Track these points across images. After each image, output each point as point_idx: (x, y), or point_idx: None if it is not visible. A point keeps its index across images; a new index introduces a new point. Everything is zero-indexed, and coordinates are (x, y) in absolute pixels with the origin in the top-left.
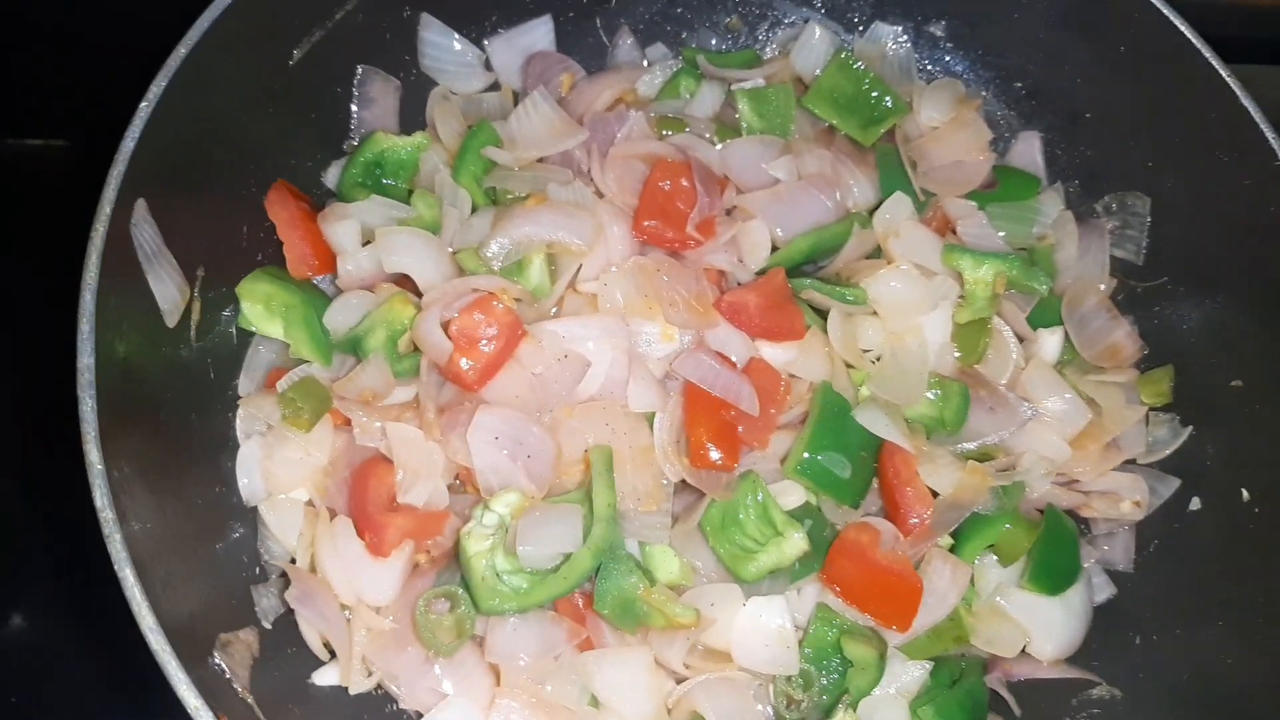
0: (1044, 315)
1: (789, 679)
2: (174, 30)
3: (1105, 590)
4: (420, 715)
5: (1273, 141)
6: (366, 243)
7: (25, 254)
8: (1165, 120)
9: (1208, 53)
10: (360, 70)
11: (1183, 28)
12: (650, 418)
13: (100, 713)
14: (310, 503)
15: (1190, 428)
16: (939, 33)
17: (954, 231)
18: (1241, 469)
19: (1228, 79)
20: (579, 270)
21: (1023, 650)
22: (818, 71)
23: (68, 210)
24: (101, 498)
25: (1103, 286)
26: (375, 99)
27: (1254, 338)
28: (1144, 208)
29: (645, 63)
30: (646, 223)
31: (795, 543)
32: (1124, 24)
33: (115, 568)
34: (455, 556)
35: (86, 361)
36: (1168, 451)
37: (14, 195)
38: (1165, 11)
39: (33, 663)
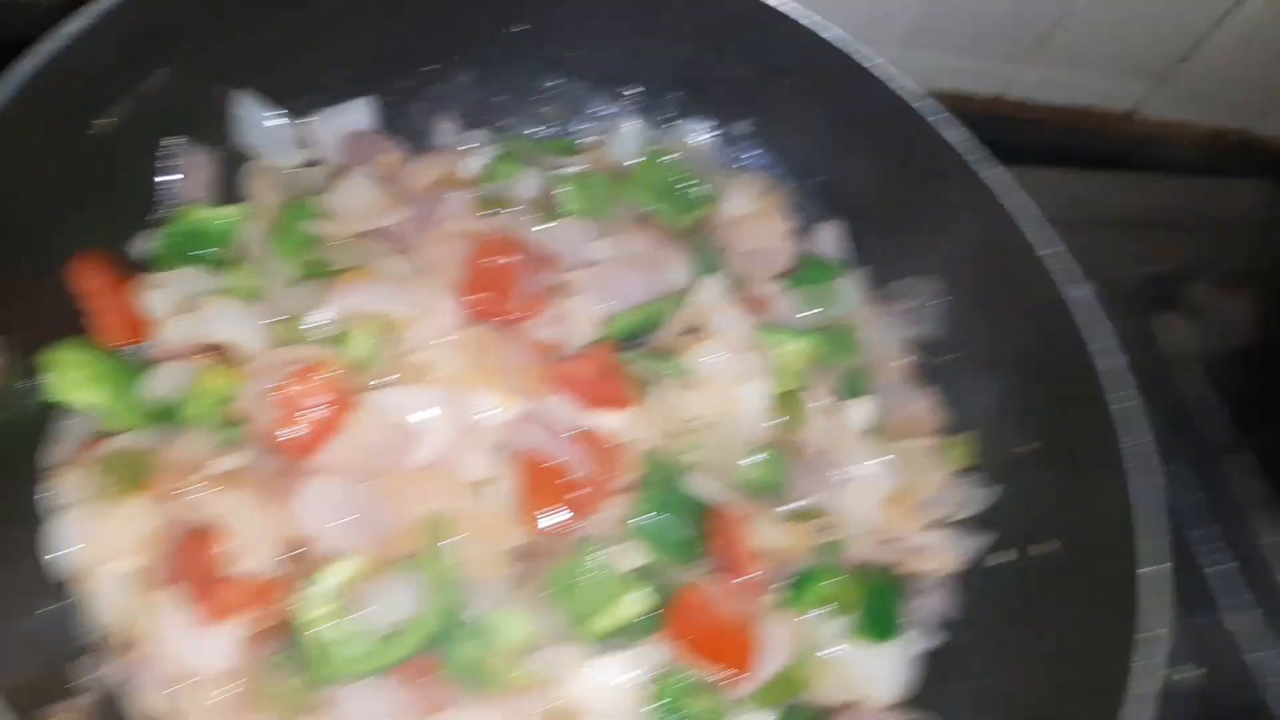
0: (852, 386)
1: None
2: None
3: (936, 637)
4: None
5: (1029, 236)
6: (183, 312)
7: None
8: (943, 215)
9: (970, 156)
10: (169, 143)
11: (944, 135)
12: (488, 484)
13: None
14: (134, 573)
15: (997, 486)
16: (744, 129)
17: (764, 310)
18: (1046, 521)
19: (985, 178)
20: (407, 341)
21: (862, 697)
22: (632, 161)
23: None
24: None
25: (902, 361)
26: (187, 171)
27: (1040, 406)
28: (935, 290)
29: (466, 147)
30: (475, 296)
31: (634, 601)
32: (898, 131)
33: None
34: (292, 624)
35: None
36: (977, 509)
37: None
38: (930, 120)
39: None
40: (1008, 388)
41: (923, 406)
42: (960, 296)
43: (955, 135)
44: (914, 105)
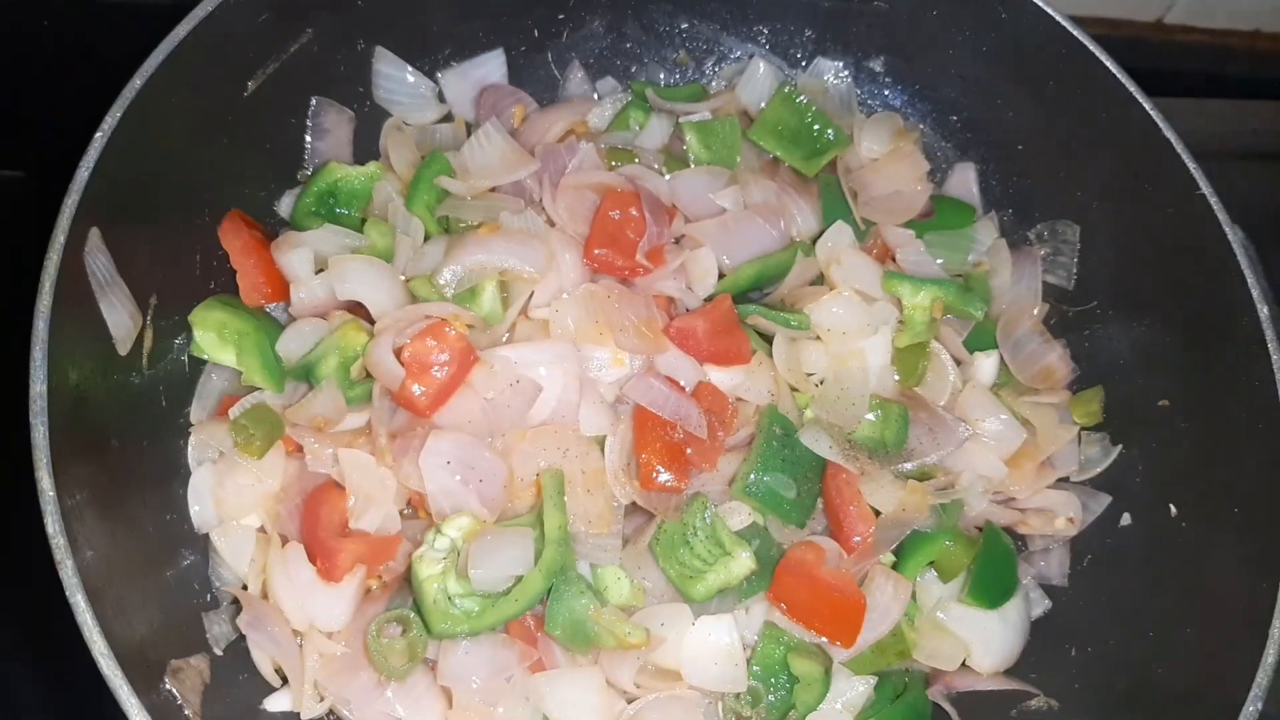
0: (980, 339)
1: (737, 696)
2: (129, 62)
3: (1041, 604)
4: None
5: (1193, 170)
6: (320, 271)
7: None
8: (1092, 152)
9: (1132, 86)
10: (314, 102)
11: (1108, 63)
12: (601, 441)
13: None
14: (262, 529)
15: (1120, 446)
16: (878, 68)
17: (893, 259)
18: (1169, 485)
19: (1150, 111)
20: (531, 297)
21: (963, 663)
22: (762, 105)
23: (21, 242)
24: (53, 524)
25: (1035, 311)
26: (329, 130)
27: (1177, 359)
28: (1074, 235)
29: (595, 96)
30: (597, 251)
31: (742, 562)
32: (1052, 61)
33: (67, 594)
34: (407, 581)
35: (39, 389)
36: (1099, 469)
37: None
38: (1091, 48)
39: None
40: (1145, 339)
41: (1053, 359)
42: (1102, 241)
43: (1111, 64)
44: (1068, 31)
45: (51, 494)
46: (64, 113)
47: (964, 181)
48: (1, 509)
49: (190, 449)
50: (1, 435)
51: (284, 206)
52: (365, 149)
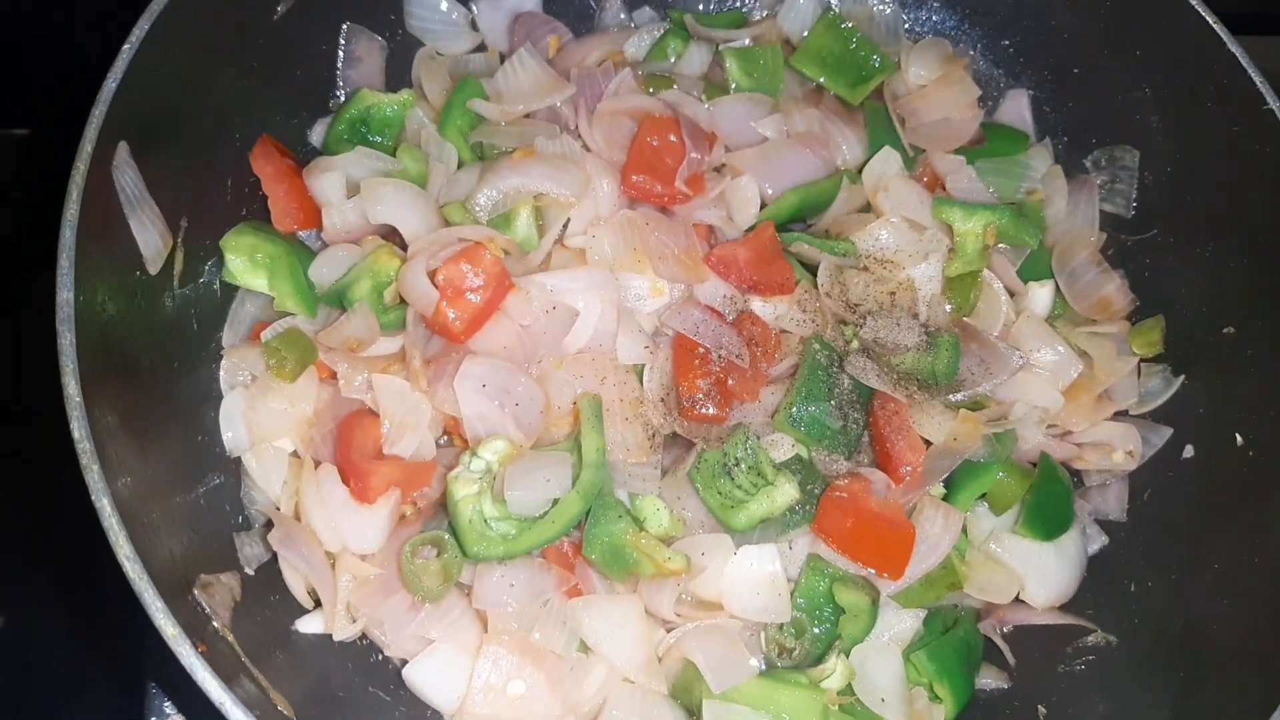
0: (1034, 269)
1: (781, 627)
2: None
3: (1098, 540)
4: (405, 663)
5: (1259, 85)
6: (352, 196)
7: None
8: (1152, 72)
9: (1194, 1)
10: (346, 28)
11: None
12: (639, 370)
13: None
14: (295, 453)
15: (1182, 377)
16: None
17: (943, 187)
18: (1234, 415)
19: (1214, 26)
20: (567, 224)
21: (1016, 597)
22: (805, 32)
23: (29, 199)
24: (80, 429)
25: (1093, 240)
26: (361, 58)
27: (1244, 283)
28: (1133, 161)
29: (632, 25)
30: (635, 177)
31: (786, 491)
32: None
33: (92, 499)
34: (442, 507)
35: (66, 296)
36: (1160, 401)
37: None
38: None
39: (18, 651)
40: (1208, 266)
41: (1111, 290)
42: (1162, 166)
43: None
44: None
45: (78, 399)
46: (70, 69)
47: (1016, 108)
48: (34, 479)
49: (222, 373)
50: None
51: (316, 135)
52: (397, 79)
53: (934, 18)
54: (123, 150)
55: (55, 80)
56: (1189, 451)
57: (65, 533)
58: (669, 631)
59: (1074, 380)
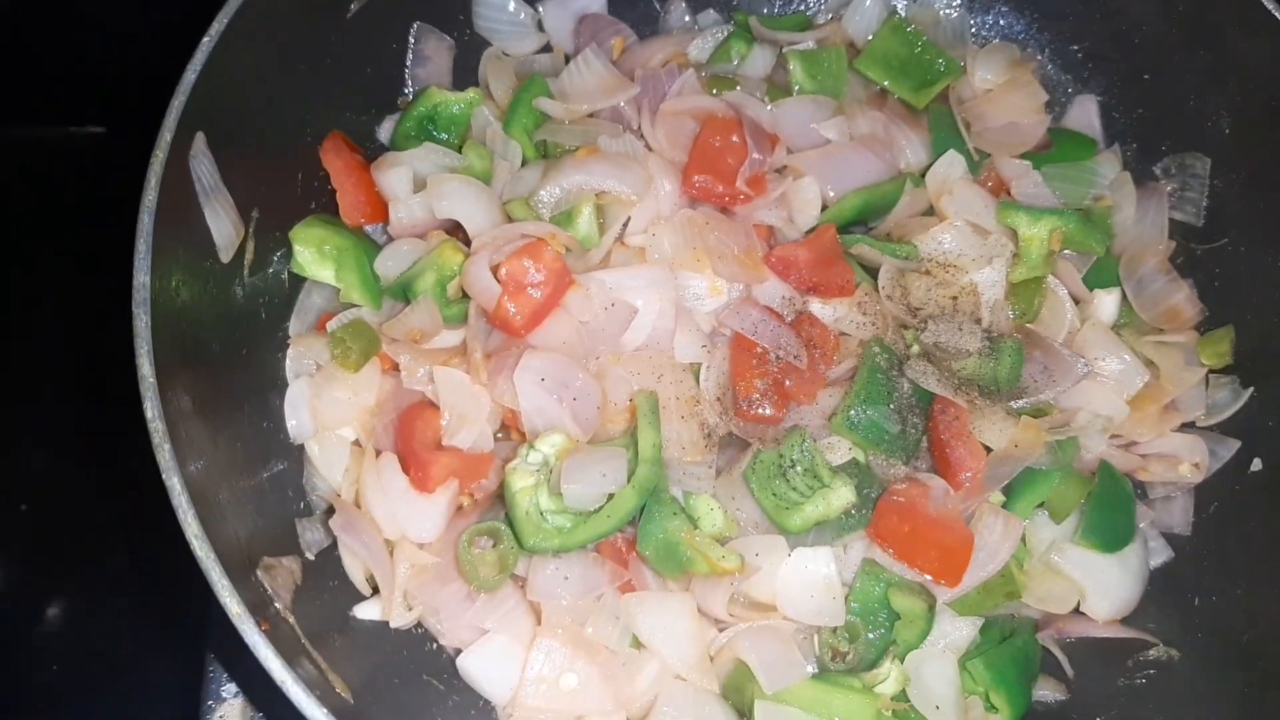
0: (1101, 276)
1: (835, 631)
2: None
3: (1162, 554)
4: (459, 653)
5: None
6: (418, 191)
7: (67, 242)
8: (1225, 78)
9: (1269, 3)
10: (415, 27)
11: None
12: (696, 369)
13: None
14: (356, 442)
15: (1251, 389)
16: None
17: (1008, 192)
18: None
19: None
20: (628, 223)
21: (1077, 609)
22: (870, 35)
23: (107, 195)
24: (152, 409)
25: (1161, 248)
26: (430, 56)
27: None
28: (1203, 169)
29: (696, 27)
30: (696, 178)
31: (842, 494)
32: None
33: (163, 476)
34: (499, 499)
35: (143, 280)
36: (1228, 413)
37: (53, 182)
38: None
39: (87, 628)
40: (1278, 278)
41: (1179, 299)
42: (1234, 173)
43: None
44: None
45: (151, 380)
46: (145, 68)
47: (1085, 114)
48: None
49: (288, 361)
50: (101, 396)
51: (384, 132)
52: (464, 78)
53: (1001, 21)
54: (200, 141)
55: (131, 79)
56: (1257, 465)
57: (134, 514)
58: (721, 631)
59: (1139, 390)
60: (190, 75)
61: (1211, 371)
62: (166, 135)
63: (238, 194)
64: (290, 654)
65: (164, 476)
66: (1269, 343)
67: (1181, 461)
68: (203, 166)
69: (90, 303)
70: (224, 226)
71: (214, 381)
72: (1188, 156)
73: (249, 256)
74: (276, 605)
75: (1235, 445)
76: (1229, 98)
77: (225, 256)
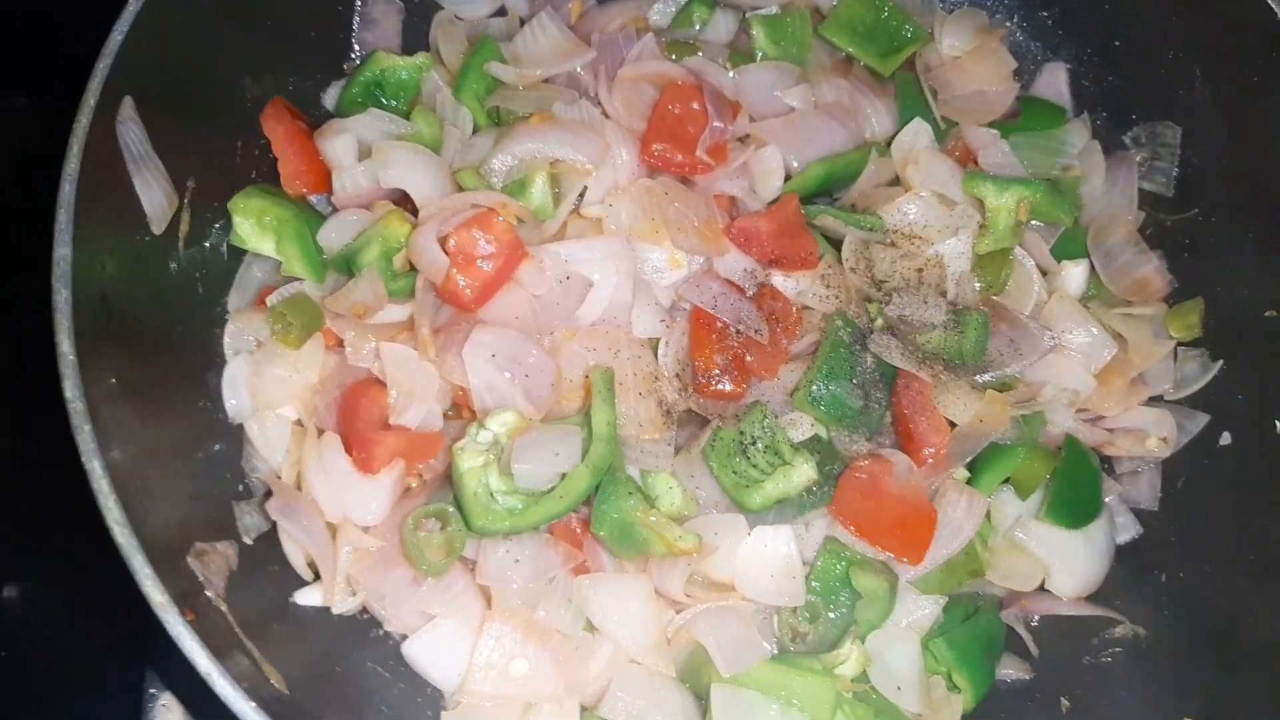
0: (1069, 247)
1: (795, 611)
2: None
3: (1130, 530)
4: (405, 639)
5: None
6: (364, 160)
7: None
8: (1199, 42)
9: None
10: None
11: None
12: (654, 344)
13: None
14: (298, 422)
15: (1221, 362)
16: None
17: (975, 162)
18: (1275, 402)
19: None
20: (584, 193)
21: (1041, 586)
22: (835, 1)
23: (32, 168)
24: (72, 389)
25: (1130, 219)
26: (378, 19)
27: None
28: (1174, 138)
29: None
30: (655, 146)
31: (803, 471)
32: None
33: (83, 460)
34: (448, 479)
35: (63, 252)
36: (1196, 387)
37: None
38: None
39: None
40: (1251, 248)
41: (1148, 270)
42: (1205, 143)
43: None
44: None
45: (71, 358)
46: (72, 35)
47: (1054, 82)
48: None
49: (227, 338)
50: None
51: (329, 98)
52: (414, 43)
53: None
54: (128, 105)
55: (58, 46)
56: (1226, 439)
57: (74, 502)
58: (679, 613)
59: (1107, 363)
60: (116, 36)
61: (1180, 344)
62: (90, 100)
63: (171, 163)
64: (220, 645)
65: (84, 459)
66: (1238, 315)
67: (1149, 436)
68: (131, 133)
69: (13, 282)
70: (155, 196)
71: (146, 360)
72: (1159, 125)
73: (184, 228)
74: (208, 593)
75: (1204, 419)
76: (1203, 64)
77: (158, 228)
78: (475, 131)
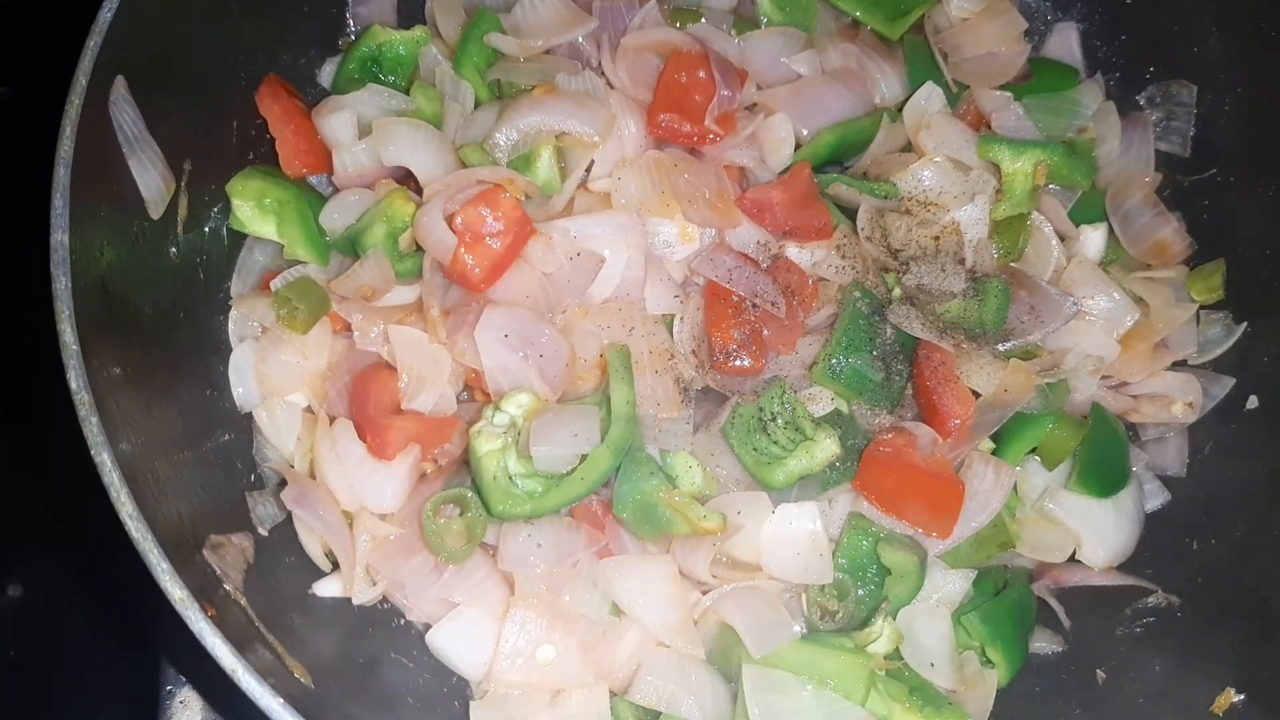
0: (1086, 212)
1: (823, 589)
2: None
3: (1158, 497)
4: (428, 628)
5: None
6: (364, 137)
7: None
8: (1213, 1)
9: None
10: None
11: None
12: (669, 321)
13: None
14: (309, 409)
15: (1245, 324)
16: None
17: (988, 125)
18: None
19: None
20: (590, 167)
21: (1072, 557)
22: None
23: (14, 158)
24: (76, 380)
25: (1148, 180)
26: None
27: None
28: (1190, 97)
29: None
30: (662, 116)
31: (826, 446)
32: None
33: (92, 453)
34: (464, 463)
35: (60, 238)
36: (1221, 350)
37: None
38: None
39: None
40: (1273, 205)
41: (1167, 233)
42: (1222, 101)
43: None
44: None
45: (75, 348)
46: (55, 25)
47: (1065, 42)
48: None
49: (231, 324)
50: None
51: (325, 76)
52: (410, 16)
53: None
54: (120, 85)
55: (42, 33)
56: (1253, 402)
57: (80, 499)
58: (705, 594)
59: (1129, 328)
60: (106, 14)
61: (1203, 307)
62: (82, 80)
63: (167, 144)
64: (242, 640)
65: (92, 452)
66: (1261, 276)
67: (1174, 401)
68: (125, 114)
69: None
70: (152, 179)
71: (149, 349)
72: (1173, 84)
73: (182, 212)
74: (226, 587)
75: (1229, 383)
76: (1217, 19)
77: (155, 212)
78: (477, 106)
